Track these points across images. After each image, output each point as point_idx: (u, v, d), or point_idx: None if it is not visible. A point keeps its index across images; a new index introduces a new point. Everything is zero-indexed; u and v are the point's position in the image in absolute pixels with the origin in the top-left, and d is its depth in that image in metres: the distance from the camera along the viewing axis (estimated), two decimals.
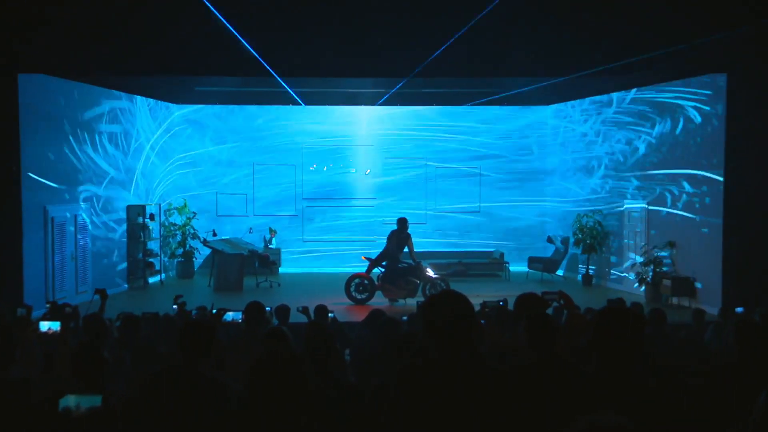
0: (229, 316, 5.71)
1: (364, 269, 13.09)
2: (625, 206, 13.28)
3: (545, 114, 16.47)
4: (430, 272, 11.90)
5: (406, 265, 11.97)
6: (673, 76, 11.24)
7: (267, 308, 5.85)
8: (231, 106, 16.02)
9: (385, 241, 12.36)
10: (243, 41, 8.21)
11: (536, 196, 16.55)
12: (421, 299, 10.43)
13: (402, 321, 5.81)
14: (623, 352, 2.48)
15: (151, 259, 14.12)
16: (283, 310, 7.08)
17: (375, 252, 13.56)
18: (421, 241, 16.43)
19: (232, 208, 16.22)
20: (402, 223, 12.06)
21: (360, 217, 16.14)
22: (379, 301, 11.99)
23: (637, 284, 12.30)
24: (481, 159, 16.43)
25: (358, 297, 11.89)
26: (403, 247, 11.98)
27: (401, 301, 11.90)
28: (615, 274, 13.66)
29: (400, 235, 11.95)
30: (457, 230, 16.54)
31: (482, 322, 5.90)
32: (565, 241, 14.87)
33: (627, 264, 13.12)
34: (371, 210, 15.23)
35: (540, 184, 16.53)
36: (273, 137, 16.27)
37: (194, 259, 15.42)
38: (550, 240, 15.50)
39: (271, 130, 16.28)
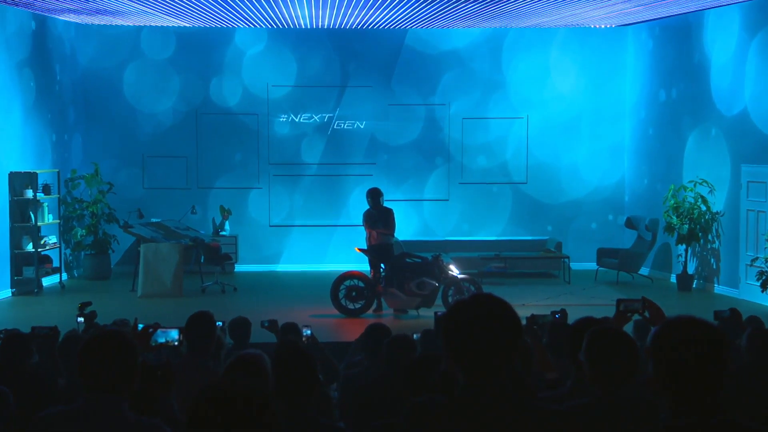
0: (162, 335, 5.66)
1: (358, 266, 13.04)
2: (743, 172, 13.20)
3: (626, 35, 16.35)
4: (454, 270, 11.89)
5: (418, 259, 11.97)
6: None
7: (218, 323, 5.82)
8: (161, 28, 15.90)
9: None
10: None
11: (613, 159, 16.48)
12: (441, 309, 10.39)
13: (414, 340, 5.78)
14: (705, 389, 2.47)
15: (46, 252, 14.10)
16: (240, 326, 7.05)
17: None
18: (442, 226, 16.38)
19: (167, 178, 16.17)
20: (373, 195, 12.31)
21: (353, 193, 16.09)
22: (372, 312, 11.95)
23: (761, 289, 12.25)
24: (529, 103, 16.34)
25: (350, 306, 11.91)
26: (393, 228, 12.25)
27: (412, 311, 11.88)
28: (728, 273, 13.62)
29: (372, 211, 12.32)
30: (493, 208, 16.49)
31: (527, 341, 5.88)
32: (652, 225, 14.82)
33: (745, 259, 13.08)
34: (369, 181, 15.16)
35: (619, 140, 16.44)
36: (225, 75, 16.18)
37: (110, 252, 15.43)
38: (630, 224, 15.43)
39: (224, 64, 16.18)
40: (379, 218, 12.29)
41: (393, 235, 12.38)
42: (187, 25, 15.63)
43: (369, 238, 12.33)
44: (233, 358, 4.00)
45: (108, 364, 3.29)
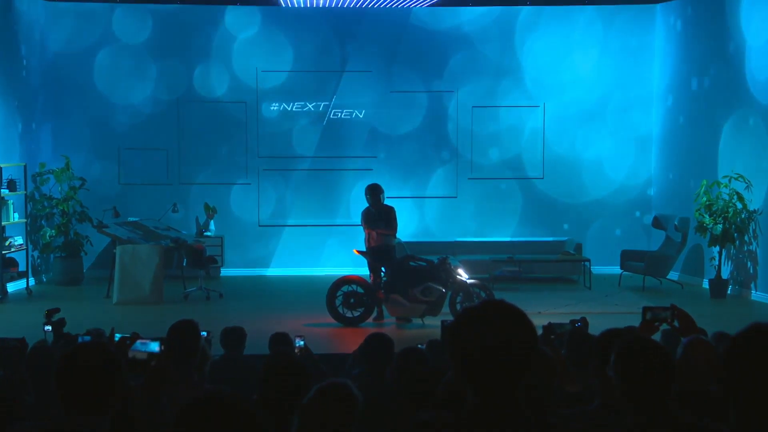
0: (142, 346, 5.66)
1: (356, 270, 13.05)
2: None
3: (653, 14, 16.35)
4: (463, 274, 11.89)
5: (423, 263, 11.98)
6: None
7: (202, 333, 5.81)
8: (140, 6, 15.90)
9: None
10: None
11: (638, 151, 16.46)
12: (449, 317, 10.39)
13: (426, 354, 5.77)
14: None
15: (11, 254, 14.10)
16: (234, 336, 7.05)
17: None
18: (449, 226, 16.37)
19: (145, 173, 16.17)
20: (373, 192, 12.31)
21: (352, 190, 16.09)
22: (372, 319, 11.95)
23: None
24: (546, 90, 16.33)
25: (348, 314, 11.91)
26: (394, 228, 12.26)
27: (417, 320, 11.89)
28: (767, 278, 13.62)
29: (371, 210, 12.30)
30: (506, 207, 16.48)
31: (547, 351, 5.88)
32: (682, 224, 14.81)
33: None
34: (369, 176, 15.16)
35: (646, 130, 16.43)
36: (211, 59, 16.17)
37: (83, 254, 15.45)
38: (657, 223, 15.43)
39: (209, 47, 16.18)
40: (379, 217, 12.28)
41: (395, 236, 12.36)
42: (170, 4, 15.63)
43: (368, 239, 12.32)
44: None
45: (89, 381, 3.28)
